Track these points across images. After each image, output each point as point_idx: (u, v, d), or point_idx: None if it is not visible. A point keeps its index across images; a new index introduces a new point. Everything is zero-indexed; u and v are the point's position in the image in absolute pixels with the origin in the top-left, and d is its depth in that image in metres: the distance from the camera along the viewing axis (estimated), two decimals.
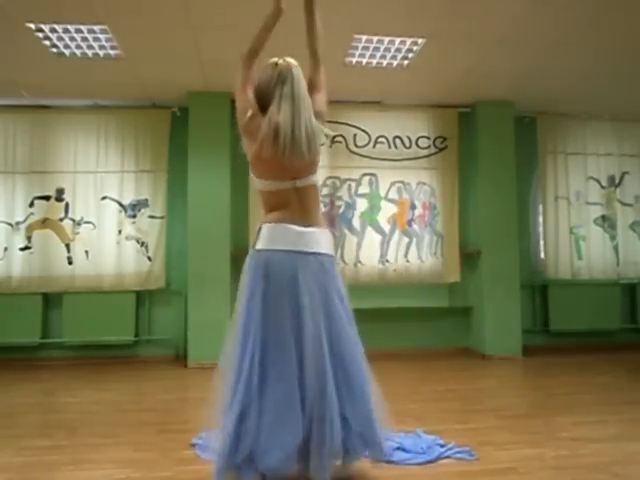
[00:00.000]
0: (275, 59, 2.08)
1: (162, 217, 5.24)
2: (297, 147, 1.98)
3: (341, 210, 5.35)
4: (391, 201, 5.44)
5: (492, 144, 5.39)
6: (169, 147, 5.28)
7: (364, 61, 4.41)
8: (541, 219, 5.71)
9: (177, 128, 5.26)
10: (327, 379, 1.96)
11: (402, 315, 5.41)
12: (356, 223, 5.37)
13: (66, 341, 5.09)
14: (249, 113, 2.06)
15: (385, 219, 5.41)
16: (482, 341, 5.30)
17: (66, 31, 3.78)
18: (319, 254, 2.07)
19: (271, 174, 2.07)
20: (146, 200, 5.24)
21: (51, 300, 5.20)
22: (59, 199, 5.18)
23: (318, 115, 2.10)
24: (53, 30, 3.76)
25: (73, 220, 5.17)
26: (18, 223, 5.13)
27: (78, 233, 5.16)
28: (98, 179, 5.21)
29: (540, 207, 5.72)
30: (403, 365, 4.82)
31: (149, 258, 5.20)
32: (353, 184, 5.39)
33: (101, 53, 4.15)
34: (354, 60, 4.38)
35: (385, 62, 4.43)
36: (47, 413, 3.61)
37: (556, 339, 5.65)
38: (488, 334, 5.24)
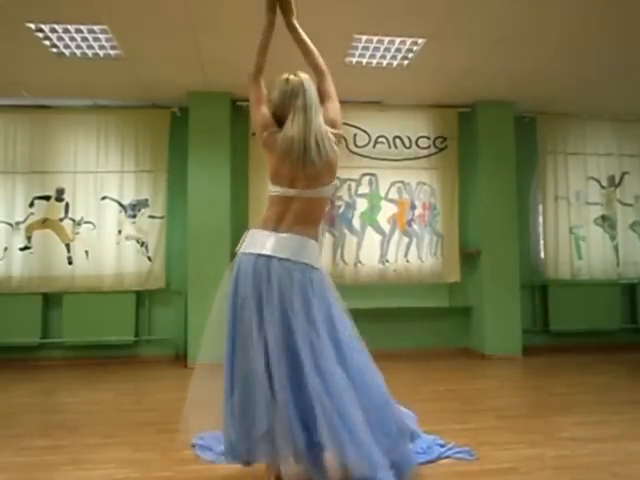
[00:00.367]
0: (286, 75, 2.16)
1: (162, 217, 5.24)
2: (308, 154, 2.06)
3: (341, 210, 5.35)
4: (391, 201, 5.44)
5: (492, 144, 5.39)
6: (169, 147, 5.28)
7: (364, 61, 4.41)
8: (541, 219, 5.71)
9: (177, 128, 5.26)
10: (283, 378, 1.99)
11: (402, 315, 5.41)
12: (356, 223, 5.37)
13: (66, 341, 5.09)
14: (268, 130, 2.14)
15: (385, 219, 5.41)
16: (482, 341, 5.30)
17: (66, 31, 3.78)
18: (286, 260, 2.07)
19: (288, 182, 2.12)
20: (146, 200, 5.24)
21: (51, 300, 5.20)
22: (59, 199, 5.18)
23: (333, 123, 2.18)
24: (53, 30, 3.76)
25: (73, 220, 5.17)
26: (18, 223, 5.13)
27: (78, 233, 5.16)
28: (98, 179, 5.21)
29: (540, 207, 5.72)
30: (403, 365, 4.81)
31: (149, 258, 5.20)
32: (353, 184, 5.39)
33: (101, 53, 4.14)
34: (354, 60, 4.38)
35: (385, 62, 4.42)
36: (47, 413, 3.61)
37: (556, 339, 5.65)
38: (488, 334, 5.24)
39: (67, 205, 5.18)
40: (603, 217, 5.73)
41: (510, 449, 2.63)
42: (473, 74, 4.67)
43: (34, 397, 3.97)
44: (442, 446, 2.60)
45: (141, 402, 3.81)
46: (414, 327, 5.48)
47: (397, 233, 5.41)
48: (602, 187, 5.75)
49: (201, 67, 4.47)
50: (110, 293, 5.12)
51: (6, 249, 5.10)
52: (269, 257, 2.07)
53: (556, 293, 5.63)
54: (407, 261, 5.40)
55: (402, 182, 5.46)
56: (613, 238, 5.73)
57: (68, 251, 5.14)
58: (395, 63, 4.45)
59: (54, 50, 4.06)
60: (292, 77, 2.14)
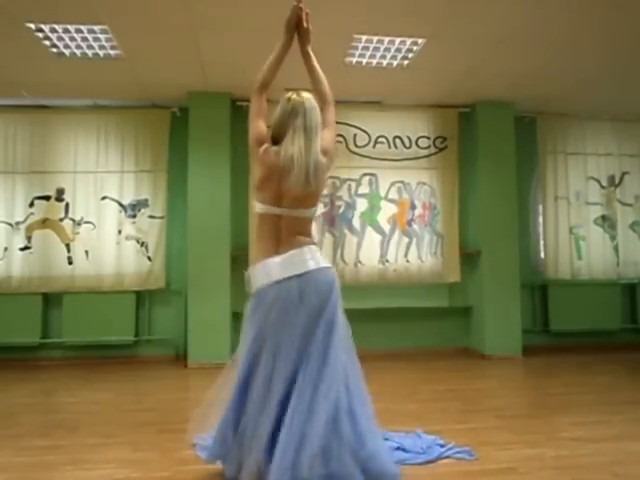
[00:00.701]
0: (289, 94, 2.18)
1: (162, 217, 5.25)
2: (305, 177, 2.07)
3: (341, 210, 5.35)
4: (391, 201, 5.44)
5: (492, 144, 5.39)
6: (169, 147, 5.28)
7: (364, 61, 4.41)
8: (541, 219, 5.71)
9: (177, 128, 5.26)
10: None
11: (402, 315, 5.41)
12: (356, 223, 5.37)
13: (66, 341, 5.09)
14: (264, 146, 2.16)
15: (385, 219, 5.41)
16: (482, 341, 5.30)
17: (66, 31, 3.78)
18: (303, 274, 2.11)
19: (273, 200, 2.14)
20: (146, 200, 5.25)
21: (51, 300, 5.20)
22: (59, 199, 5.18)
23: (325, 151, 2.19)
24: (53, 30, 3.76)
25: (73, 220, 5.17)
26: (18, 223, 5.13)
27: (78, 233, 5.16)
28: (98, 179, 5.21)
29: (540, 207, 5.72)
30: (403, 365, 4.82)
31: (149, 258, 5.20)
32: (353, 184, 5.40)
33: (101, 53, 4.14)
34: (354, 60, 4.38)
35: (385, 62, 4.42)
36: (47, 413, 3.61)
37: (556, 339, 5.65)
38: (488, 334, 5.24)
39: (67, 205, 5.18)
40: (603, 217, 5.73)
41: (510, 449, 2.63)
42: (473, 74, 4.67)
43: (34, 397, 3.97)
44: (442, 446, 2.61)
45: (141, 402, 3.81)
46: (414, 327, 5.48)
47: (397, 233, 5.41)
48: (602, 187, 5.75)
49: (201, 67, 4.47)
50: (110, 293, 5.13)
51: (6, 249, 5.10)
52: (289, 278, 2.09)
53: (556, 293, 5.63)
54: (407, 261, 5.40)
55: (402, 182, 5.46)
56: (613, 238, 5.73)
57: (68, 251, 5.14)
58: (395, 63, 4.45)
59: (54, 50, 4.06)
60: (294, 96, 2.16)
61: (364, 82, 4.81)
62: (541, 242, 5.71)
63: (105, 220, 5.18)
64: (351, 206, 5.38)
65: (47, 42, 3.93)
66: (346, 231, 5.32)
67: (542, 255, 5.68)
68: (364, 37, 3.99)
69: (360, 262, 5.32)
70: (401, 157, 5.47)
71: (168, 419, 3.25)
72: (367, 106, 5.40)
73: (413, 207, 5.47)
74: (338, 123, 5.22)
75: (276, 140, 2.17)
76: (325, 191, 5.29)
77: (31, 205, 5.15)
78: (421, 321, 5.49)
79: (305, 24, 2.26)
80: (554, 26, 3.77)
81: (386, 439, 2.62)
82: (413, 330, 5.47)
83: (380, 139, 5.46)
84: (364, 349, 2.36)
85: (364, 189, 5.41)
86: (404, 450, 2.54)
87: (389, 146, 5.47)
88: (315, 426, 1.95)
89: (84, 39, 3.91)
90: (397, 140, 5.49)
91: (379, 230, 5.40)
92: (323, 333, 2.08)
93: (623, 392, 3.90)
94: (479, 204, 5.40)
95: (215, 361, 4.77)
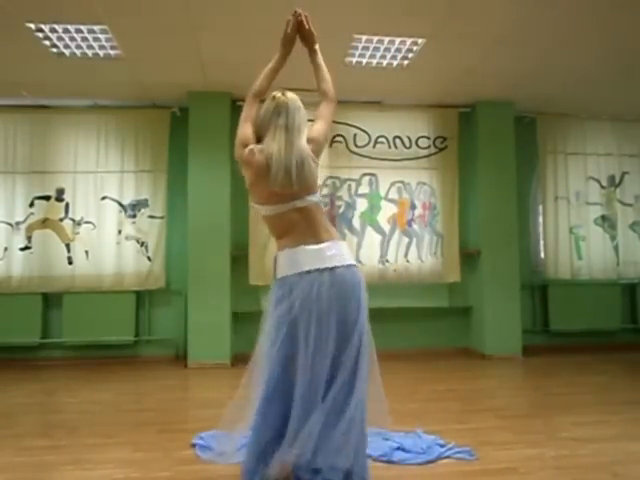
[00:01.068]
0: (275, 92, 2.16)
1: (162, 217, 5.24)
2: (287, 177, 2.03)
3: (341, 210, 5.35)
4: (391, 201, 5.45)
5: (492, 144, 5.39)
6: (169, 147, 5.28)
7: (364, 61, 4.41)
8: (541, 219, 5.71)
9: (177, 128, 5.26)
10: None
11: (402, 315, 5.41)
12: (356, 223, 5.37)
13: (66, 341, 5.09)
14: (249, 147, 2.12)
15: (385, 219, 5.42)
16: (482, 341, 5.30)
17: (66, 31, 3.78)
18: (334, 268, 2.04)
19: (269, 200, 2.11)
20: (146, 200, 5.25)
21: (51, 300, 5.20)
22: (59, 199, 5.19)
23: (310, 140, 2.14)
24: (53, 30, 3.76)
25: (73, 220, 5.17)
26: (18, 223, 5.13)
27: (78, 233, 5.16)
28: (98, 179, 5.21)
29: (540, 207, 5.72)
30: (403, 365, 4.82)
31: (149, 258, 5.20)
32: (353, 184, 5.40)
33: (101, 53, 4.14)
34: (354, 60, 4.38)
35: (385, 62, 4.42)
36: (47, 413, 3.61)
37: (556, 339, 5.65)
38: (488, 334, 5.24)
39: (67, 205, 5.18)
40: (603, 217, 5.73)
41: (510, 449, 2.64)
42: (473, 74, 4.67)
43: (34, 397, 3.97)
44: (442, 446, 2.61)
45: (141, 402, 3.81)
46: (414, 327, 5.48)
47: (397, 233, 5.41)
48: (602, 187, 5.76)
49: (201, 67, 4.47)
50: (110, 293, 5.13)
51: (6, 249, 5.10)
52: (320, 270, 2.02)
53: (556, 293, 5.63)
54: (407, 261, 5.40)
55: (402, 182, 5.46)
56: (613, 238, 5.73)
57: (68, 251, 5.14)
58: (395, 63, 4.45)
59: (54, 50, 4.06)
60: (279, 95, 2.14)
61: (364, 82, 4.81)
62: (541, 242, 5.71)
63: (105, 220, 5.18)
64: (351, 206, 5.38)
65: (47, 42, 3.93)
66: (346, 231, 5.32)
67: (542, 255, 5.68)
68: (364, 37, 3.99)
69: (360, 262, 5.31)
70: (401, 157, 5.47)
71: (168, 419, 3.25)
72: (367, 106, 5.40)
73: (413, 207, 5.47)
74: (338, 123, 5.27)
75: (259, 139, 2.14)
76: (325, 191, 5.30)
77: (31, 205, 5.15)
78: (421, 321, 5.49)
79: (307, 26, 2.25)
80: (554, 26, 3.77)
81: (386, 439, 2.63)
82: (413, 330, 5.48)
83: (380, 139, 5.46)
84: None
85: (364, 189, 5.41)
86: (404, 450, 2.54)
87: (389, 146, 5.47)
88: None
89: (84, 39, 3.91)
90: (397, 140, 5.49)
91: (379, 230, 5.40)
92: (356, 342, 2.01)
93: (623, 392, 3.90)
94: (479, 204, 5.40)
95: (215, 361, 4.80)
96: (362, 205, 5.39)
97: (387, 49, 4.19)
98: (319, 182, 2.47)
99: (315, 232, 2.09)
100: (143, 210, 5.24)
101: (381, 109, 5.46)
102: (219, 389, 3.79)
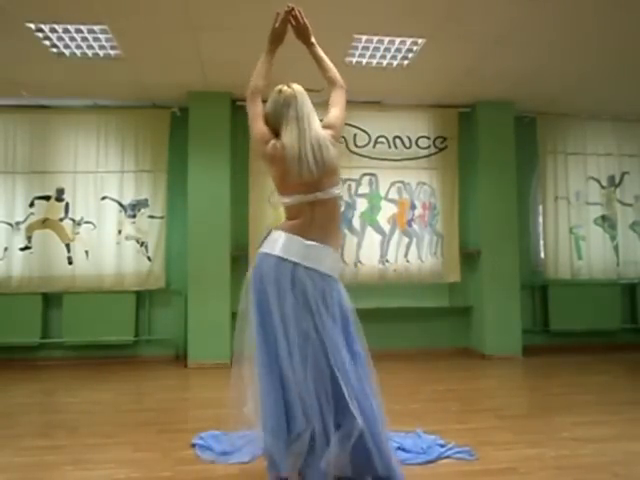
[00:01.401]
0: (280, 86, 2.20)
1: (162, 217, 5.24)
2: (304, 165, 2.08)
3: (341, 210, 5.35)
4: (391, 201, 5.44)
5: (492, 144, 5.39)
6: (169, 147, 5.28)
7: (364, 61, 4.41)
8: (541, 219, 5.71)
9: (177, 128, 5.26)
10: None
11: (402, 315, 5.41)
12: (356, 223, 5.37)
13: (66, 341, 5.09)
14: (271, 142, 2.16)
15: (385, 219, 5.42)
16: (482, 341, 5.30)
17: (66, 31, 3.78)
18: (315, 271, 2.11)
19: (295, 189, 2.15)
20: (146, 200, 5.24)
21: (51, 300, 5.20)
22: (59, 199, 5.18)
23: (329, 126, 2.21)
24: (53, 30, 3.76)
25: (73, 220, 5.17)
26: (18, 223, 5.13)
27: (78, 233, 5.16)
28: (98, 179, 5.21)
29: (540, 207, 5.72)
30: (403, 365, 4.81)
31: (149, 258, 5.20)
32: (353, 184, 5.40)
33: (101, 53, 4.14)
34: (354, 60, 4.38)
35: (385, 62, 4.42)
36: (47, 413, 3.61)
37: (556, 339, 5.65)
38: (488, 334, 5.24)
39: (67, 205, 5.18)
40: (603, 217, 5.73)
41: (510, 449, 2.64)
42: (473, 74, 4.67)
43: (34, 397, 3.97)
44: (442, 446, 2.61)
45: (141, 402, 3.81)
46: (414, 327, 5.48)
47: (397, 233, 5.41)
48: (602, 187, 5.75)
49: (201, 67, 4.47)
50: (110, 293, 5.13)
51: (6, 249, 5.10)
52: (295, 264, 2.09)
53: (556, 293, 5.63)
54: (407, 261, 5.40)
55: (402, 182, 5.46)
56: (613, 238, 5.73)
57: (68, 251, 5.14)
58: (395, 63, 4.45)
59: (54, 50, 4.06)
60: (285, 88, 2.18)
61: (364, 82, 4.81)
62: (541, 242, 5.71)
63: (105, 220, 5.18)
64: (351, 206, 5.38)
65: (47, 42, 3.93)
66: (346, 231, 5.32)
67: (542, 255, 5.68)
68: (364, 37, 3.99)
69: (360, 262, 5.32)
70: (401, 157, 5.47)
71: (168, 419, 3.25)
72: (367, 106, 5.40)
73: (413, 207, 5.47)
74: None
75: (276, 133, 2.18)
76: None
77: (31, 205, 5.15)
78: (421, 321, 5.49)
79: (301, 21, 2.26)
80: (554, 26, 3.77)
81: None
82: (413, 330, 5.47)
83: (380, 139, 5.46)
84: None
85: (364, 189, 5.41)
86: (404, 450, 2.54)
87: (389, 146, 5.47)
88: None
89: (84, 39, 3.91)
90: (397, 140, 5.49)
91: (379, 230, 5.40)
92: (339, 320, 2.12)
93: (623, 392, 3.90)
94: (479, 204, 5.40)
95: (215, 361, 4.80)
96: (362, 205, 5.39)
97: (387, 49, 4.19)
98: (341, 194, 2.49)
99: (317, 230, 2.14)
100: (143, 210, 5.23)
101: (381, 109, 5.46)
102: (219, 389, 3.75)
